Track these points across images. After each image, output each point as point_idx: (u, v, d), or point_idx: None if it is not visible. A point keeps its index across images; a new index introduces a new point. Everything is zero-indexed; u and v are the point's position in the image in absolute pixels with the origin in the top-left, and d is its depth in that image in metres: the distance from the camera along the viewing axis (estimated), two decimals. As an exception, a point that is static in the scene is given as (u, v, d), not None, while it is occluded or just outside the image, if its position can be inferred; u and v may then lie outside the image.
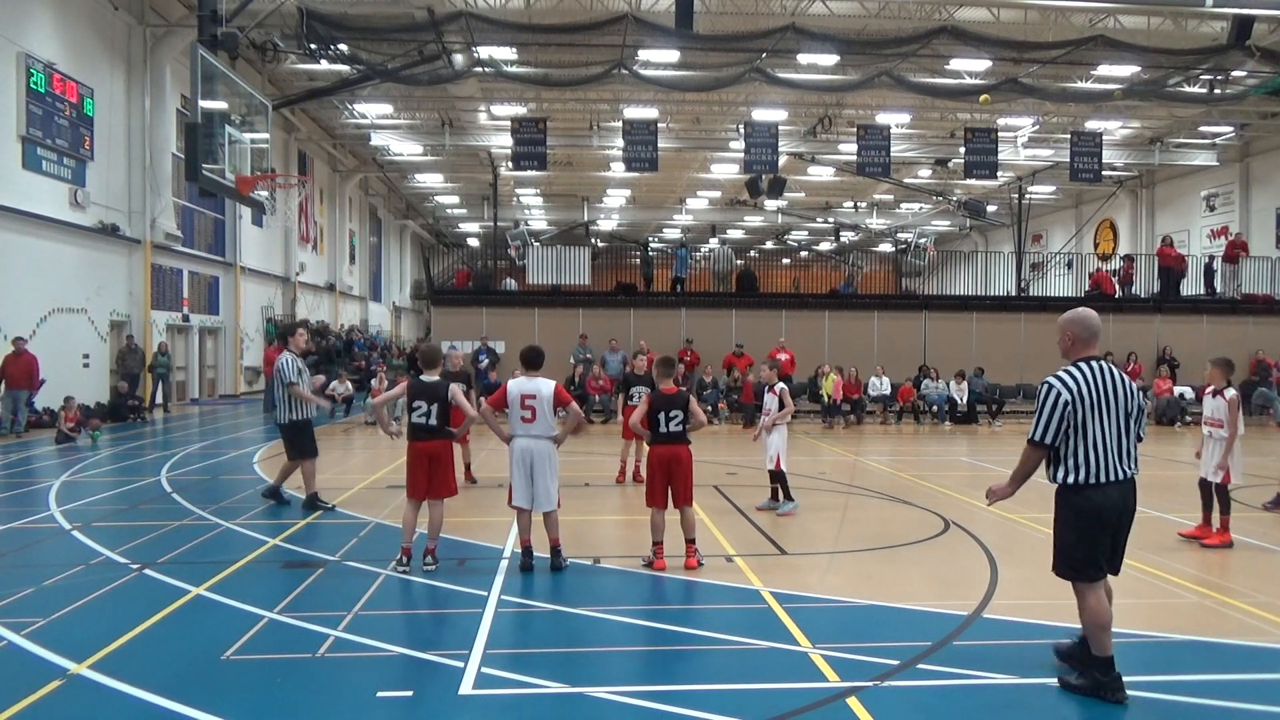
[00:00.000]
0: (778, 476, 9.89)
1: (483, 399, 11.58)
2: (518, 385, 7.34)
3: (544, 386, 7.29)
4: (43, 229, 18.68)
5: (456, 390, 7.42)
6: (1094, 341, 4.89)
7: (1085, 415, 4.72)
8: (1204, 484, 8.58)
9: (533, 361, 7.46)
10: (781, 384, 9.99)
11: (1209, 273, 26.63)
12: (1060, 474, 4.81)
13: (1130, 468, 4.79)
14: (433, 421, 7.28)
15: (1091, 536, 4.75)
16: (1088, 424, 4.72)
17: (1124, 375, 4.91)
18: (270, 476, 12.30)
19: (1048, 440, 4.76)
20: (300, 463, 9.96)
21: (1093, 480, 4.72)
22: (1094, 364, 4.82)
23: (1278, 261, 26.69)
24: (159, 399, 22.31)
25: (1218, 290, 26.57)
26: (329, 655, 5.32)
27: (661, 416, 7.41)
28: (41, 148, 18.53)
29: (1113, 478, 4.72)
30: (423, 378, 7.46)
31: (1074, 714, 4.73)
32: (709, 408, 20.35)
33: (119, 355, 21.08)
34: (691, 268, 26.15)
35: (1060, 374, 4.82)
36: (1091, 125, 28.41)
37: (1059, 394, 4.74)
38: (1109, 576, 4.91)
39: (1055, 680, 4.94)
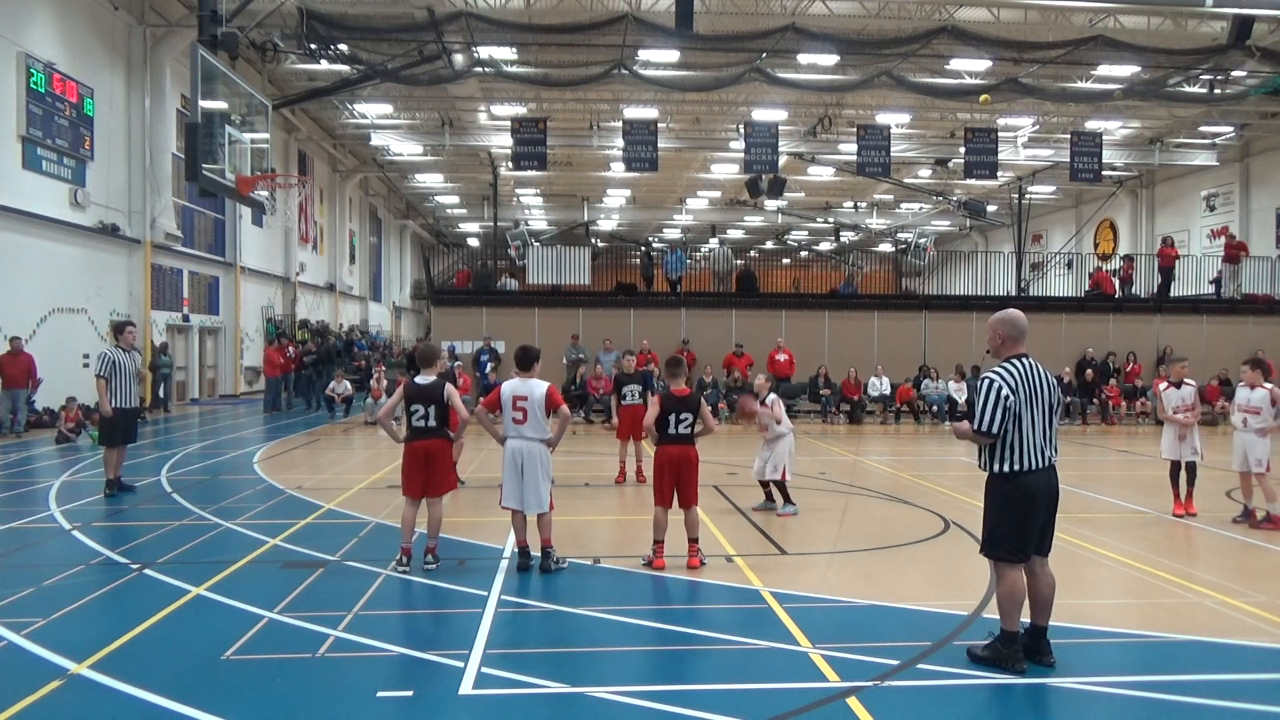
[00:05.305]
0: (779, 485, 9.86)
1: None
2: (510, 387, 7.33)
3: (537, 388, 7.26)
4: (43, 229, 18.68)
5: (453, 392, 7.43)
6: (1022, 340, 5.27)
7: (1020, 407, 5.06)
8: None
9: (523, 362, 7.43)
10: (772, 395, 9.93)
11: (1218, 283, 26.60)
12: (995, 463, 5.13)
13: (1053, 455, 5.16)
14: (432, 423, 7.30)
15: (1024, 520, 5.08)
16: (1022, 416, 5.06)
17: (1048, 371, 5.30)
18: (271, 477, 12.35)
19: (994, 430, 5.06)
20: (117, 450, 10.77)
21: (1025, 468, 5.06)
22: (1024, 360, 5.20)
23: (1278, 261, 26.69)
24: (161, 396, 22.28)
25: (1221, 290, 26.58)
26: (329, 655, 5.32)
27: (671, 418, 7.39)
28: (41, 148, 18.53)
29: (1041, 464, 5.08)
30: (418, 380, 7.43)
31: (1072, 713, 4.74)
32: (708, 408, 20.29)
33: None
34: (691, 268, 26.16)
35: (999, 369, 5.20)
36: (1091, 125, 28.40)
37: (1000, 387, 5.08)
38: (1049, 568, 5.25)
39: (1053, 680, 4.98)
